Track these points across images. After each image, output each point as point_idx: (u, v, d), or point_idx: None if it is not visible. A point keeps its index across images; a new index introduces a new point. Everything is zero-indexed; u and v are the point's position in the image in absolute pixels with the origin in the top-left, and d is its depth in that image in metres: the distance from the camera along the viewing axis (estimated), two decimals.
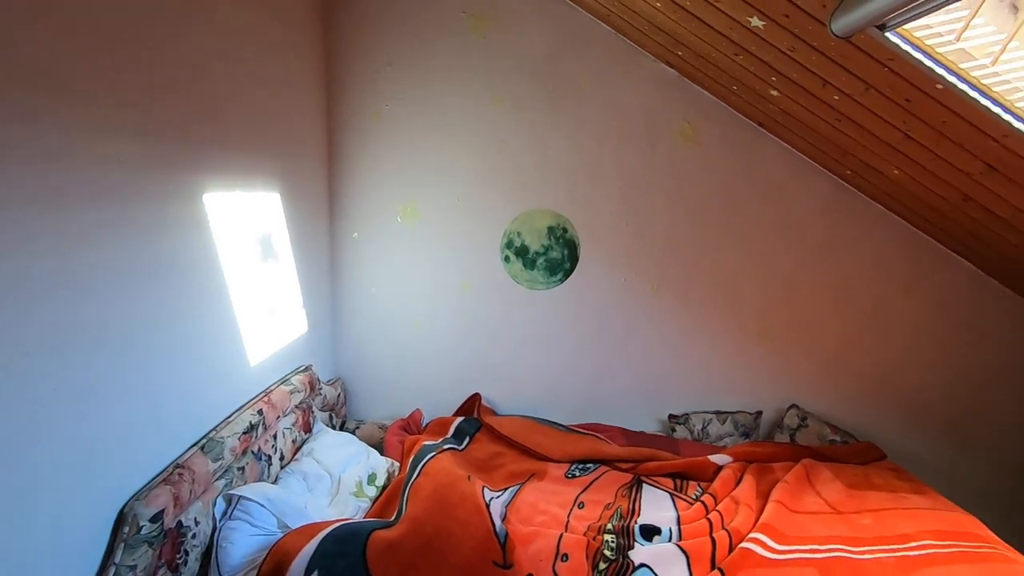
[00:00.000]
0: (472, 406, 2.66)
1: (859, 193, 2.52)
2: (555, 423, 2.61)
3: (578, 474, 2.26)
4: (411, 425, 2.50)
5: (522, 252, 2.61)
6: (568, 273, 2.63)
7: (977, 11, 1.32)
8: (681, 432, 2.63)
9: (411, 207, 2.63)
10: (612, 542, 1.78)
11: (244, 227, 1.90)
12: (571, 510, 2.01)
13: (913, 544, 1.79)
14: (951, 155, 1.79)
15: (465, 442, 2.37)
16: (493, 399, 2.78)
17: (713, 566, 1.67)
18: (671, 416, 2.66)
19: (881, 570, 1.67)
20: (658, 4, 1.94)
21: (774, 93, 2.09)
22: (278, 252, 2.10)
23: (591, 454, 2.35)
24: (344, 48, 2.54)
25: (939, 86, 1.46)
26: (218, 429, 1.70)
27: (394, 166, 2.63)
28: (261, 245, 2.00)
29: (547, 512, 1.97)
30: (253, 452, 1.81)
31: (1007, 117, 1.39)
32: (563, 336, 2.71)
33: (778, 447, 2.44)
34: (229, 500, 1.62)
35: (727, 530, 1.84)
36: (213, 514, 1.59)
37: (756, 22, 1.69)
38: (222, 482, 1.65)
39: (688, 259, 2.61)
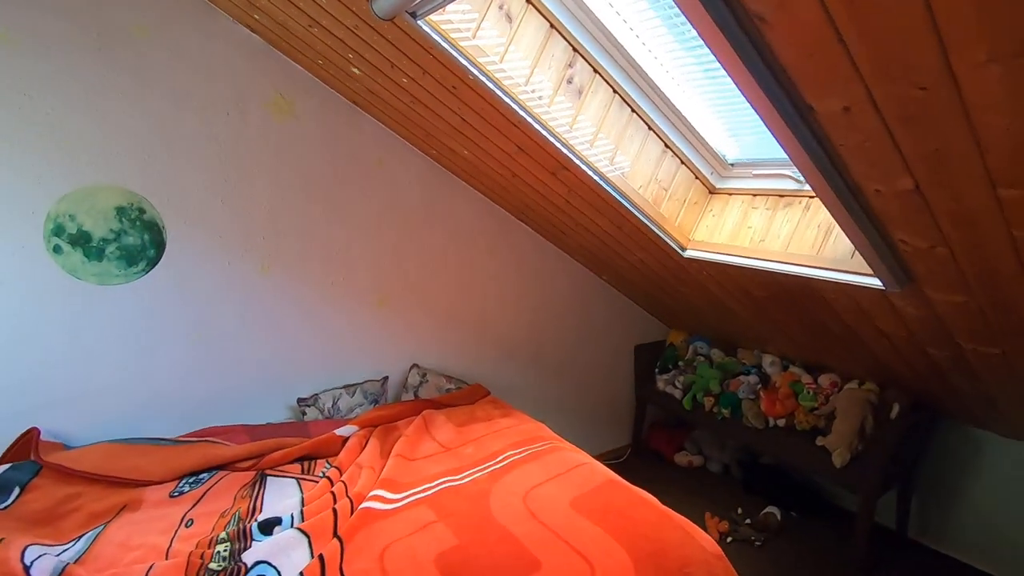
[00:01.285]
0: (27, 447, 2.02)
1: (446, 170, 2.87)
2: (160, 439, 2.21)
3: (188, 489, 1.98)
4: None
5: (81, 240, 2.07)
6: (154, 261, 2.22)
7: (484, 16, 1.60)
8: (312, 414, 2.58)
9: None
10: (224, 551, 1.61)
11: None
12: (176, 532, 1.74)
13: (500, 458, 2.19)
14: (494, 138, 2.18)
15: (14, 495, 1.79)
16: (66, 430, 2.16)
17: (335, 537, 1.69)
18: (300, 400, 2.58)
19: (476, 486, 1.99)
20: None
21: (356, 71, 2.16)
22: None
23: (204, 462, 2.08)
24: None
25: (471, 76, 1.73)
26: None
27: None
28: None
29: (142, 545, 1.66)
30: None
31: (514, 106, 1.75)
32: (160, 334, 2.29)
33: (402, 406, 2.64)
34: None
35: (350, 497, 1.88)
36: None
37: None
38: None
39: (298, 235, 2.52)
